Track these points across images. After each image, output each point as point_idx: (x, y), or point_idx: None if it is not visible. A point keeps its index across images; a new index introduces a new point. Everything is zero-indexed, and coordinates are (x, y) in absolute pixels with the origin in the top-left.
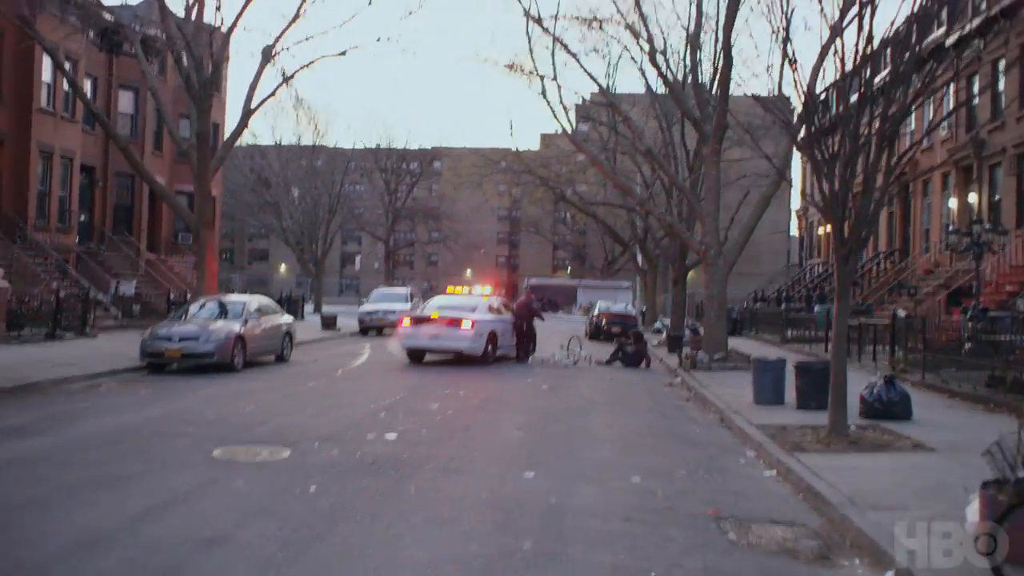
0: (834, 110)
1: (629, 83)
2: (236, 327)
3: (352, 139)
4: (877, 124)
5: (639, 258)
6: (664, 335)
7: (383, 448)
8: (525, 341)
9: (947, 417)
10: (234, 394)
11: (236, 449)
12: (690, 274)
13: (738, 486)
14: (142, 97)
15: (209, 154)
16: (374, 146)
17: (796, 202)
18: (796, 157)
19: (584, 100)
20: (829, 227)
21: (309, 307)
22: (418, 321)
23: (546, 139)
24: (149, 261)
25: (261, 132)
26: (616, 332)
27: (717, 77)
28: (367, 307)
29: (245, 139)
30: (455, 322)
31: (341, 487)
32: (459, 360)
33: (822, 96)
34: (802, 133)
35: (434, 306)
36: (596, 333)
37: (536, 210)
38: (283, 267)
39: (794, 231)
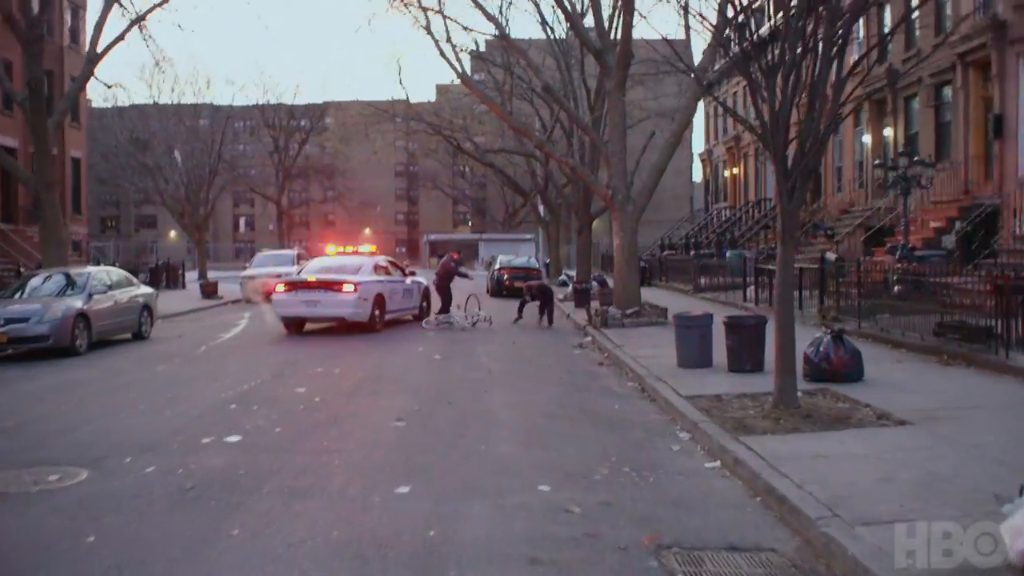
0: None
1: (525, 27)
2: (77, 304)
3: (236, 96)
4: (824, 28)
5: (541, 208)
6: (570, 288)
7: (216, 460)
8: (444, 303)
9: (901, 374)
10: (59, 387)
11: (15, 474)
12: (595, 223)
13: (677, 489)
14: None
15: (45, 106)
16: (261, 103)
17: (698, 146)
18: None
19: (477, 46)
20: (770, 158)
21: (193, 274)
22: (293, 286)
23: (442, 90)
24: (2, 232)
25: (139, 92)
26: (520, 287)
27: (619, 2)
28: (249, 272)
29: (122, 99)
30: (335, 285)
31: (136, 530)
32: (343, 328)
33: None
34: (731, 51)
35: (313, 269)
36: (498, 289)
37: (434, 164)
38: (172, 233)
39: (697, 176)
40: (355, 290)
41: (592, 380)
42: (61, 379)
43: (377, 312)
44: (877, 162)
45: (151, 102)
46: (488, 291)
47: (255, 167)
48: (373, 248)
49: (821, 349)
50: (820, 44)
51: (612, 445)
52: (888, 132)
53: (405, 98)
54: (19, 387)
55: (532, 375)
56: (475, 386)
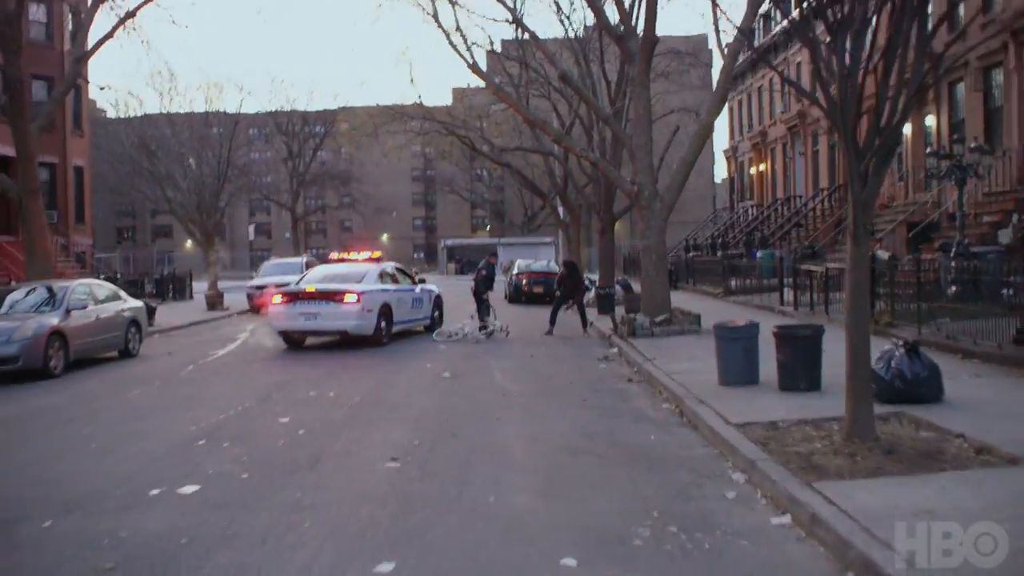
0: None
1: (540, 26)
2: (52, 320)
3: (248, 103)
4: None
5: (560, 210)
6: (592, 293)
7: (157, 522)
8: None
9: (988, 393)
10: (11, 418)
11: None
12: (617, 225)
13: (742, 561)
14: None
15: (28, 109)
16: (273, 109)
17: (721, 143)
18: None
19: (492, 43)
20: (836, 138)
21: (203, 284)
22: (291, 297)
23: (458, 94)
24: (1, 246)
25: (149, 101)
26: (538, 293)
27: None
28: (256, 281)
29: (134, 108)
30: (336, 296)
31: None
32: (347, 343)
33: None
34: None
35: (314, 278)
36: (516, 295)
37: (450, 168)
38: (188, 243)
39: (719, 176)
40: (358, 300)
41: (621, 401)
42: (19, 407)
43: (383, 324)
44: (929, 150)
45: (163, 111)
46: (505, 297)
47: (270, 174)
48: (378, 254)
49: (893, 364)
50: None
51: (652, 492)
52: (930, 121)
53: (417, 98)
54: None
55: (552, 396)
56: (486, 411)
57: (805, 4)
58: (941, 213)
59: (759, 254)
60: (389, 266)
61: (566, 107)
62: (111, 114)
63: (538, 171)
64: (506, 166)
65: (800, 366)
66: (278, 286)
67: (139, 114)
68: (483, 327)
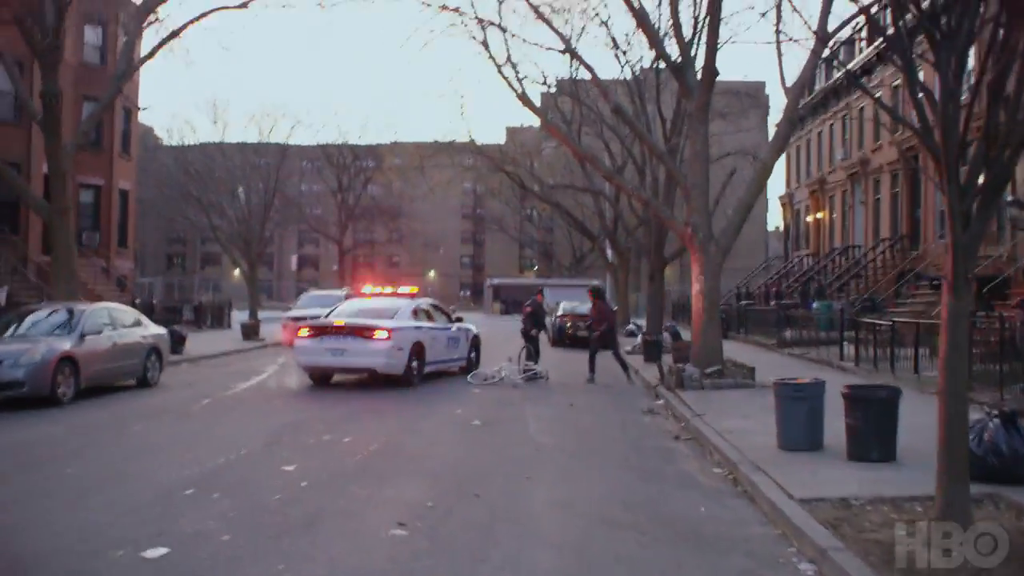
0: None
1: (595, 62)
2: (64, 345)
3: (300, 135)
4: None
5: (609, 253)
6: (639, 340)
7: None
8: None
9: None
10: None
11: None
12: (666, 270)
13: None
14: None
15: (60, 124)
16: (324, 143)
17: (776, 189)
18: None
19: (545, 81)
20: (933, 168)
21: (243, 314)
22: (318, 331)
23: (512, 133)
24: (41, 265)
25: (203, 129)
26: (584, 336)
27: (703, 12)
28: (293, 312)
29: (187, 137)
30: (366, 331)
31: None
32: (375, 382)
33: None
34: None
35: (344, 312)
36: (559, 338)
37: (500, 206)
38: (236, 272)
39: (771, 224)
40: (388, 337)
41: (666, 462)
42: (9, 438)
43: (415, 364)
44: (1011, 198)
45: (215, 140)
46: (549, 341)
47: (319, 206)
48: (415, 289)
49: (986, 437)
50: None
51: None
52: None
53: (467, 134)
54: None
55: (591, 453)
56: (515, 468)
57: (911, 14)
58: (1018, 269)
59: (815, 304)
60: (424, 302)
61: (618, 146)
62: (166, 141)
63: (588, 212)
64: (555, 206)
65: (873, 433)
66: (309, 319)
67: (193, 142)
68: (528, 370)
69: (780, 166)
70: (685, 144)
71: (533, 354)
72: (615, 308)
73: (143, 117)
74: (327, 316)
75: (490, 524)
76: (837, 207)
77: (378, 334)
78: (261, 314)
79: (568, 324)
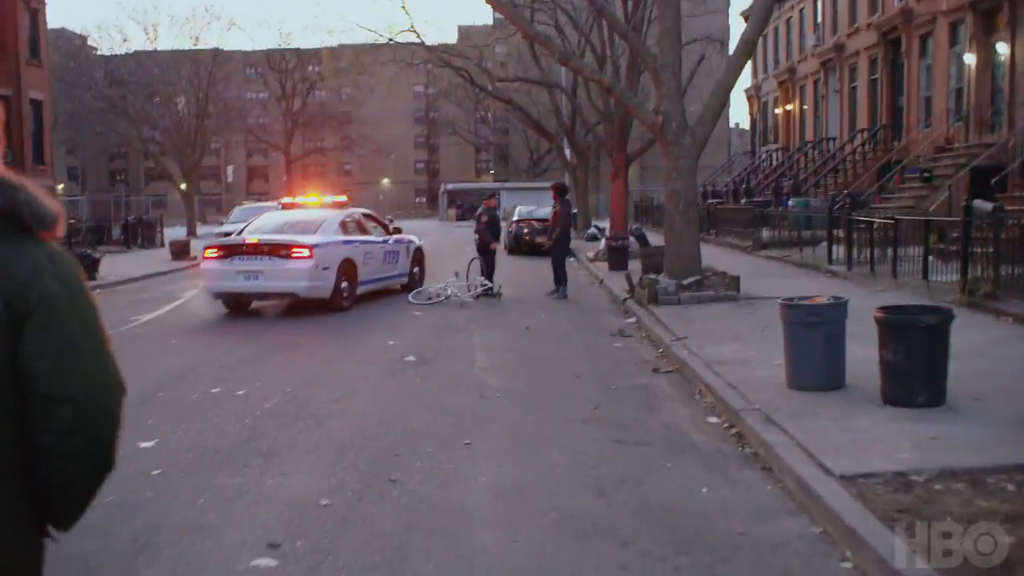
0: None
1: None
2: None
3: (239, 40)
4: None
5: (568, 152)
6: (602, 244)
7: None
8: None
9: None
10: None
11: None
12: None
13: None
14: None
15: None
16: (265, 48)
17: (740, 83)
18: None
19: None
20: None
21: (179, 231)
22: (228, 251)
23: (463, 32)
24: None
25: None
26: (541, 244)
27: None
28: (224, 228)
29: (118, 45)
30: (283, 250)
31: None
32: (302, 307)
33: None
34: None
35: (260, 227)
36: (515, 246)
37: (453, 109)
38: (184, 186)
39: (734, 121)
40: (310, 255)
41: (647, 411)
42: None
43: (344, 284)
44: None
45: (150, 48)
46: (505, 248)
47: (266, 115)
48: (344, 198)
49: None
50: None
51: None
52: (1003, 49)
53: (409, 26)
54: None
55: (550, 399)
56: (451, 429)
57: None
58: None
59: (791, 202)
60: (355, 212)
61: (575, 35)
62: (99, 52)
63: (544, 110)
64: (508, 102)
65: (919, 371)
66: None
67: (126, 51)
68: (484, 286)
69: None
70: (649, 27)
71: (485, 270)
72: (574, 211)
73: (73, 24)
74: (239, 233)
75: (404, 537)
76: (808, 98)
77: (298, 252)
78: (202, 230)
79: (525, 231)
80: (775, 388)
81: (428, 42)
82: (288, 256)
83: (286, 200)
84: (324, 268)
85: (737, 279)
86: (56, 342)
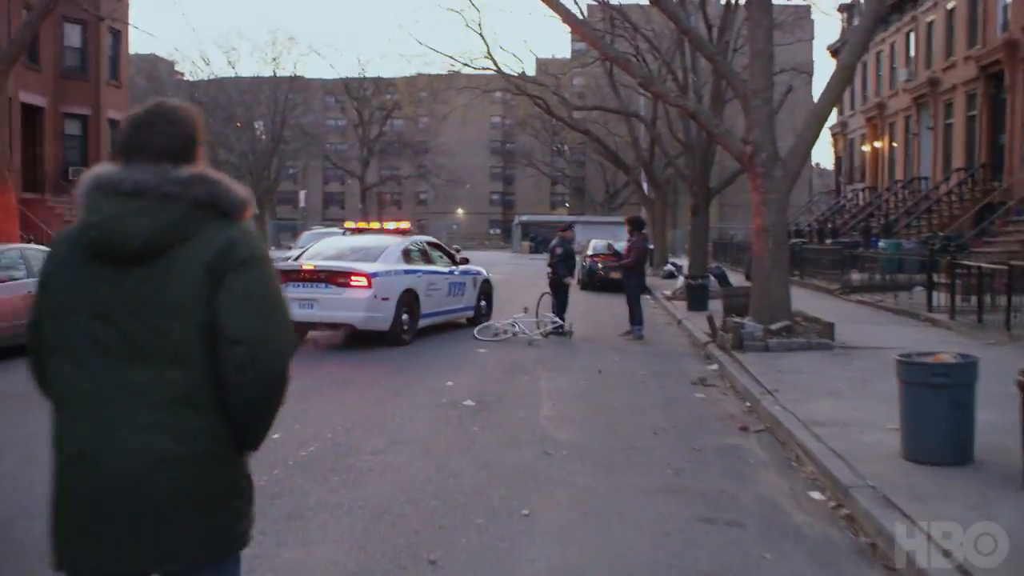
0: None
1: None
2: None
3: (318, 67)
4: None
5: (645, 186)
6: (680, 282)
7: None
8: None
9: None
10: None
11: None
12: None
13: None
14: None
15: None
16: (343, 76)
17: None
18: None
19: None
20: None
21: None
22: (283, 277)
23: (541, 65)
24: (25, 203)
25: (218, 64)
26: (617, 279)
27: None
28: (292, 253)
29: (201, 70)
30: (341, 277)
31: None
32: (357, 339)
33: None
34: None
35: (317, 253)
36: (589, 281)
37: (530, 140)
38: (257, 210)
39: (816, 159)
40: (368, 285)
41: (738, 480)
42: None
43: (405, 316)
44: None
45: (232, 75)
46: (577, 283)
47: (345, 142)
48: (406, 225)
49: None
50: None
51: None
52: None
53: (485, 54)
54: None
55: (623, 462)
56: (508, 492)
57: None
58: None
59: (882, 243)
60: (419, 240)
61: (656, 66)
62: (188, 77)
63: (622, 142)
64: (586, 132)
65: None
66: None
67: (208, 77)
68: (555, 323)
69: None
70: (733, 57)
71: (557, 307)
72: (650, 247)
73: (158, 50)
74: (296, 258)
75: None
76: (899, 135)
77: (356, 280)
78: (274, 254)
79: (599, 266)
80: (889, 459)
81: (505, 72)
82: (346, 284)
83: (350, 225)
84: (383, 298)
85: (831, 326)
86: (237, 296)
